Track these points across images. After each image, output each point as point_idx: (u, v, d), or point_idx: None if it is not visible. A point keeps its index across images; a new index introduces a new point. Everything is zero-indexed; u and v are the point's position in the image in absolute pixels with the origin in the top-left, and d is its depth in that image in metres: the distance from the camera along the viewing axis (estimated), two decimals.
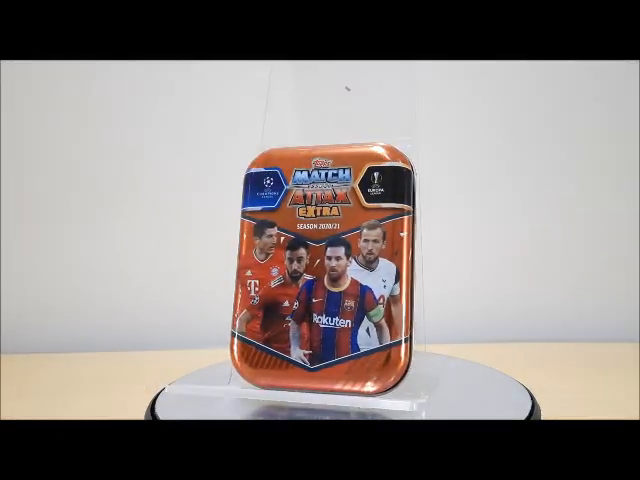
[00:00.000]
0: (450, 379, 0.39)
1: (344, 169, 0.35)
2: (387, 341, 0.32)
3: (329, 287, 0.34)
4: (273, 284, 0.35)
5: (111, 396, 0.50)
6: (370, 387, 0.32)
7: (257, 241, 0.36)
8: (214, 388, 0.34)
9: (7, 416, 0.43)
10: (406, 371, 0.32)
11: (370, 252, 0.33)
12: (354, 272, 0.34)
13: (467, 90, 0.69)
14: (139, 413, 0.35)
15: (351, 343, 0.33)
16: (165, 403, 0.36)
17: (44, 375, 0.58)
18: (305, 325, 0.34)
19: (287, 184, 0.36)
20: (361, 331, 0.33)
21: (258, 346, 0.34)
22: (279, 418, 0.33)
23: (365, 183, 0.34)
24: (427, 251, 0.34)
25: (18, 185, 0.71)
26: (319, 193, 0.35)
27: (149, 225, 0.71)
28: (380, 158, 0.35)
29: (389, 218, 0.34)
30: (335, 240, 0.34)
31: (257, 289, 0.35)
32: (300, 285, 0.34)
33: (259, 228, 0.36)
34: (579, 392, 0.47)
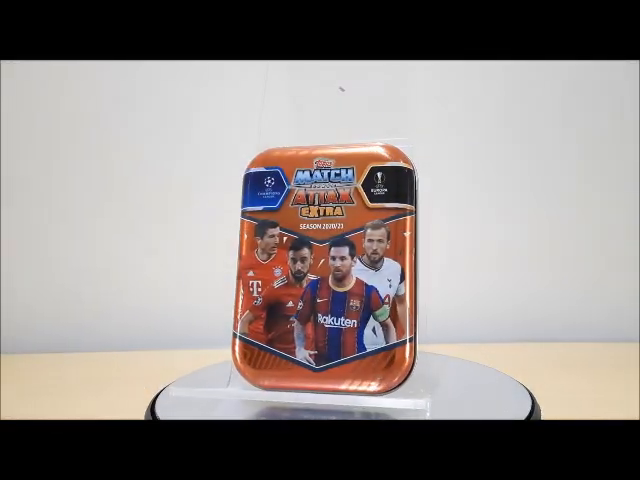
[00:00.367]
0: (450, 379, 0.39)
1: (347, 169, 0.35)
2: (393, 340, 0.32)
3: (334, 287, 0.34)
4: (276, 284, 0.35)
5: (111, 396, 0.50)
6: (376, 387, 0.32)
7: (259, 241, 0.36)
8: (220, 390, 0.34)
9: (7, 416, 0.43)
10: (410, 370, 0.32)
11: (375, 252, 0.34)
12: (359, 272, 0.34)
13: (469, 90, 0.69)
14: (139, 413, 0.35)
15: (357, 343, 0.33)
16: (165, 403, 0.36)
17: (44, 375, 0.58)
18: (310, 325, 0.34)
19: (289, 184, 0.36)
20: (367, 331, 0.33)
21: (261, 347, 0.34)
22: (282, 418, 0.33)
23: (368, 183, 0.35)
24: (427, 251, 0.34)
25: (17, 185, 0.71)
26: (322, 193, 0.35)
27: (149, 225, 0.71)
28: (382, 158, 0.35)
29: (393, 218, 0.34)
30: (339, 240, 0.34)
31: (260, 290, 0.35)
32: (304, 285, 0.34)
33: (261, 228, 0.36)
34: (579, 392, 0.47)
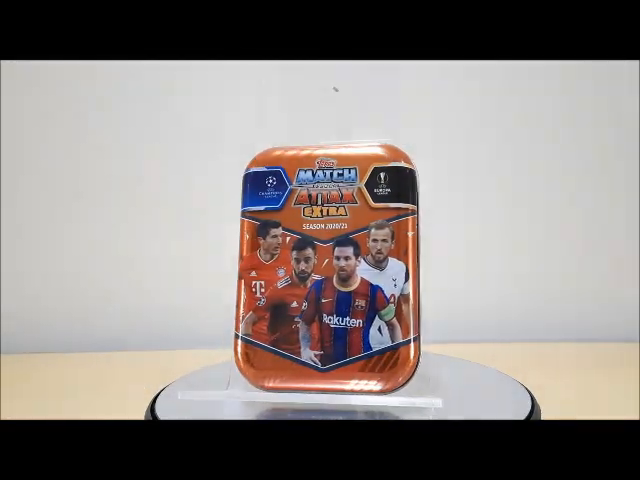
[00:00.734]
0: (450, 379, 0.39)
1: (349, 169, 0.35)
2: (399, 339, 0.32)
3: (338, 287, 0.34)
4: (280, 285, 0.35)
5: (111, 396, 0.50)
6: (382, 386, 0.32)
7: (261, 241, 0.35)
8: (229, 393, 0.34)
9: (7, 416, 0.43)
10: (415, 369, 0.32)
11: (379, 252, 0.34)
12: (364, 271, 0.34)
13: (469, 90, 0.69)
14: (139, 413, 0.35)
15: (363, 342, 0.33)
16: (165, 403, 0.36)
17: (44, 375, 0.58)
18: (315, 325, 0.34)
19: (291, 183, 0.36)
20: (373, 330, 0.33)
21: (265, 348, 0.34)
22: (288, 419, 0.32)
23: (371, 183, 0.35)
24: (427, 251, 0.34)
25: (17, 185, 0.71)
26: (325, 193, 0.35)
27: (149, 225, 0.71)
28: (385, 158, 0.35)
29: (396, 218, 0.34)
30: (343, 240, 0.34)
31: (263, 290, 0.35)
32: (308, 285, 0.34)
33: (263, 228, 0.35)
34: (579, 392, 0.47)
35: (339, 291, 0.34)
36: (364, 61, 0.47)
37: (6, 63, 0.68)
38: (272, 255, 0.35)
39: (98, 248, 0.71)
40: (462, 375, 0.41)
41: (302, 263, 0.35)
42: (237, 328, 0.35)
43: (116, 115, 0.70)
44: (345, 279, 0.34)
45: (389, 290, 0.33)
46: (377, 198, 0.34)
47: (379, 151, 0.35)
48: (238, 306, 0.35)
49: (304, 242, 0.35)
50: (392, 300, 0.33)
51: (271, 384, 0.33)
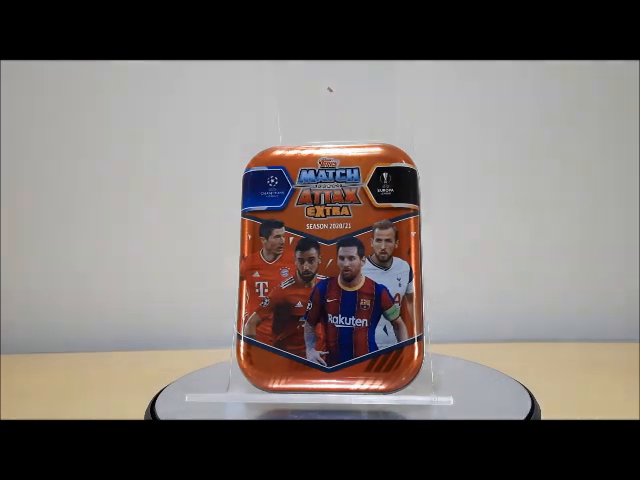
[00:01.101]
0: (450, 379, 0.39)
1: (352, 169, 0.35)
2: (405, 339, 0.33)
3: (343, 287, 0.34)
4: (284, 285, 0.35)
5: (111, 396, 0.50)
6: (387, 385, 0.32)
7: (264, 241, 0.35)
8: (237, 395, 0.33)
9: (7, 416, 0.43)
10: (420, 368, 0.32)
11: (383, 251, 0.34)
12: (368, 271, 0.34)
13: (469, 89, 0.69)
14: (139, 413, 0.35)
15: (369, 342, 0.33)
16: (165, 403, 0.36)
17: (44, 375, 0.58)
18: (320, 326, 0.34)
19: (293, 183, 0.36)
20: (378, 330, 0.33)
21: (269, 349, 0.34)
22: (293, 419, 0.32)
23: (374, 183, 0.35)
24: (427, 250, 0.35)
25: (17, 185, 0.71)
26: (328, 193, 0.35)
27: (149, 225, 0.71)
28: (387, 158, 0.35)
29: (400, 218, 0.34)
30: (347, 240, 0.34)
31: (266, 291, 0.35)
32: (313, 285, 0.34)
33: (265, 228, 0.35)
34: (579, 392, 0.47)
35: (344, 291, 0.34)
36: (363, 61, 0.47)
37: (6, 63, 0.68)
38: (275, 255, 0.35)
39: (98, 248, 0.71)
40: (462, 375, 0.41)
41: (306, 263, 0.34)
42: (239, 329, 0.34)
43: (113, 115, 0.70)
44: (350, 279, 0.34)
45: (394, 290, 0.33)
46: (380, 198, 0.35)
47: (381, 151, 0.35)
48: (240, 307, 0.35)
49: (308, 242, 0.35)
50: (397, 299, 0.33)
51: (275, 385, 0.33)
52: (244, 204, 0.36)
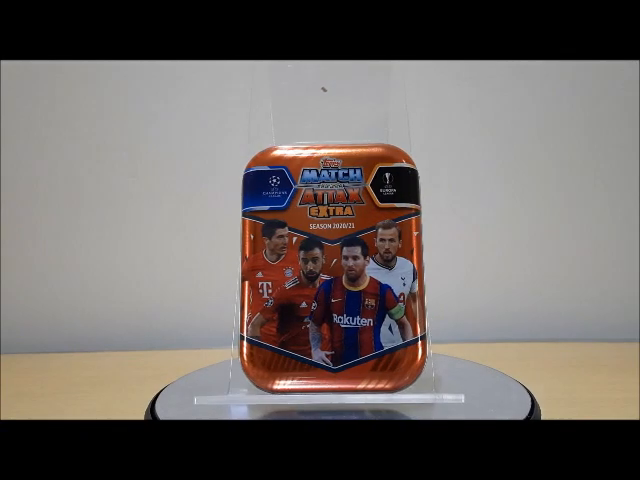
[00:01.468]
0: (450, 379, 0.39)
1: (355, 169, 0.35)
2: (410, 337, 0.33)
3: (348, 287, 0.34)
4: (288, 285, 0.34)
5: (111, 396, 0.50)
6: (393, 384, 0.32)
7: (267, 242, 0.35)
8: (245, 397, 0.33)
9: (7, 416, 0.43)
10: (423, 366, 0.33)
11: (387, 251, 0.34)
12: (372, 271, 0.34)
13: (469, 89, 0.69)
14: (139, 413, 0.35)
15: (374, 341, 0.33)
16: (165, 403, 0.36)
17: (44, 375, 0.58)
18: (325, 326, 0.34)
19: (295, 183, 0.35)
20: (383, 329, 0.33)
21: (274, 349, 0.34)
22: (297, 419, 0.32)
23: (377, 183, 0.35)
24: (428, 250, 0.35)
25: (17, 185, 0.71)
26: (330, 193, 0.35)
27: (148, 225, 0.71)
28: (390, 159, 0.35)
29: (403, 218, 0.34)
30: (351, 239, 0.34)
31: (270, 291, 0.34)
32: (317, 286, 0.34)
33: (268, 228, 0.35)
34: (579, 392, 0.47)
35: (348, 291, 0.34)
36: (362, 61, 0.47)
37: (6, 63, 0.68)
38: (278, 255, 0.35)
39: (98, 248, 0.71)
40: (462, 375, 0.41)
41: (310, 263, 0.34)
42: (242, 330, 0.34)
43: (112, 115, 0.70)
44: (354, 279, 0.34)
45: (398, 289, 0.34)
46: (383, 198, 0.35)
47: (383, 151, 0.36)
48: (243, 307, 0.34)
49: (311, 242, 0.35)
50: (402, 299, 0.33)
51: (280, 386, 0.33)
52: (245, 204, 0.36)
